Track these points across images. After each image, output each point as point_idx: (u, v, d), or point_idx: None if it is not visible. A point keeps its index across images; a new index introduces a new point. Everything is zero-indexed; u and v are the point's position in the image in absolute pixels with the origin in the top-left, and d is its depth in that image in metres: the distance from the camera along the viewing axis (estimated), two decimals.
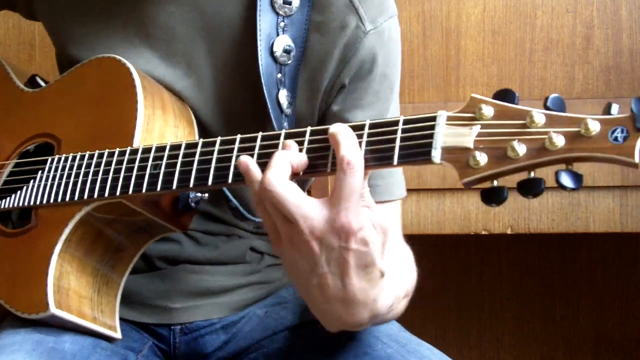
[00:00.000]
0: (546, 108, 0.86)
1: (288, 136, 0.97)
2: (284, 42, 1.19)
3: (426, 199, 1.78)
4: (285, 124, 1.20)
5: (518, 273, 2.33)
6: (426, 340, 1.22)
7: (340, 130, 0.92)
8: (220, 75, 1.23)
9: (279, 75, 1.19)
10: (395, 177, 1.24)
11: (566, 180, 0.83)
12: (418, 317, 2.31)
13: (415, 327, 1.27)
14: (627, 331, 2.32)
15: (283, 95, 1.19)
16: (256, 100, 1.20)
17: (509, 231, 1.81)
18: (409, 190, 1.31)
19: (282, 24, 1.19)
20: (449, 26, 2.09)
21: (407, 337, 1.21)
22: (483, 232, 1.80)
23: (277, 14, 1.19)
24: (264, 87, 1.17)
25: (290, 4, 1.19)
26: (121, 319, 1.22)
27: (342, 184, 0.89)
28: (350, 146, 0.90)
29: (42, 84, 1.31)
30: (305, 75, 1.21)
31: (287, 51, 1.19)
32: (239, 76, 1.22)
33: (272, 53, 1.18)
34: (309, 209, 0.90)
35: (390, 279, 0.96)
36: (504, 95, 0.89)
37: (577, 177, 0.84)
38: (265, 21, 1.18)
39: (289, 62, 1.19)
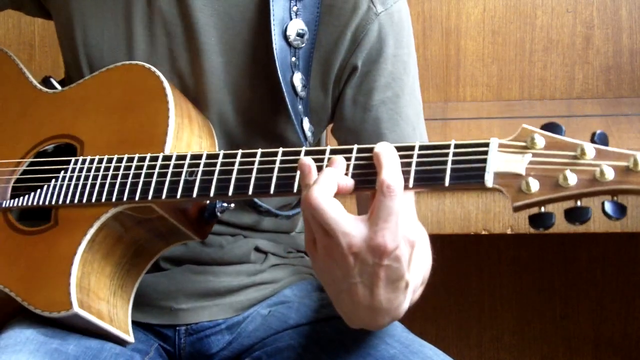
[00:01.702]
0: (592, 141, 0.90)
1: (333, 152, 0.99)
2: (297, 25, 1.20)
3: (426, 199, 1.78)
4: (300, 106, 1.22)
5: (518, 273, 2.33)
6: (426, 340, 1.22)
7: (383, 151, 0.94)
8: (233, 62, 1.24)
9: (293, 59, 1.21)
10: None
11: (611, 210, 0.89)
12: (418, 317, 2.31)
13: (415, 327, 1.27)
14: (627, 331, 2.31)
15: (297, 79, 1.21)
16: (270, 85, 1.21)
17: (509, 231, 1.81)
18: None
19: (294, 8, 1.21)
20: (449, 26, 2.09)
21: (410, 337, 1.21)
22: (483, 232, 1.80)
23: None
24: (279, 70, 1.18)
25: None
26: None
27: (380, 206, 0.91)
28: (392, 170, 0.93)
29: (58, 86, 1.31)
30: (318, 59, 1.23)
31: (300, 35, 1.21)
32: (251, 62, 1.24)
33: (285, 37, 1.20)
34: (348, 226, 0.93)
35: (413, 286, 1.00)
36: (552, 128, 0.93)
37: (621, 209, 0.89)
38: (278, 6, 1.20)
39: (303, 45, 1.21)
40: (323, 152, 1.00)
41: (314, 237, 0.96)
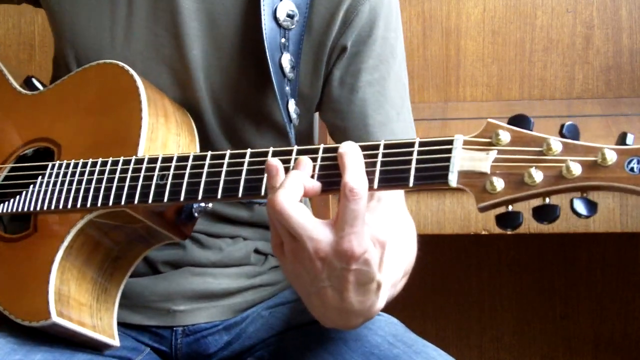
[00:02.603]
0: (561, 135, 0.86)
1: (300, 152, 0.97)
2: (287, 7, 1.21)
3: (426, 199, 1.78)
4: (287, 88, 1.22)
5: (518, 273, 2.33)
6: (426, 340, 1.22)
7: (348, 152, 0.92)
8: (224, 46, 1.24)
9: (283, 40, 1.21)
10: None
11: (580, 207, 0.85)
12: (418, 317, 2.31)
13: (415, 327, 1.27)
14: (627, 331, 2.31)
15: (286, 59, 1.21)
16: (259, 67, 1.22)
17: (509, 231, 1.81)
18: (409, 190, 1.31)
19: None
20: (449, 26, 2.09)
21: (412, 337, 1.21)
22: (483, 232, 1.80)
23: None
24: (267, 50, 1.19)
25: None
26: (118, 327, 1.22)
27: (345, 210, 0.89)
28: (355, 172, 0.90)
29: (39, 86, 1.30)
30: (310, 41, 1.24)
31: (290, 16, 1.21)
32: (242, 46, 1.24)
33: (275, 18, 1.20)
34: (315, 231, 0.90)
35: (386, 286, 0.97)
36: (520, 121, 0.89)
37: (591, 205, 0.85)
38: None
39: (293, 27, 1.21)
40: (290, 152, 0.98)
41: (281, 240, 0.94)
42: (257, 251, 1.33)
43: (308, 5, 1.22)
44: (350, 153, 0.92)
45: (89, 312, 1.15)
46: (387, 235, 0.93)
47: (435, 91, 2.11)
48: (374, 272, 0.92)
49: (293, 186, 0.91)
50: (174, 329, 1.29)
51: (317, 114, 1.35)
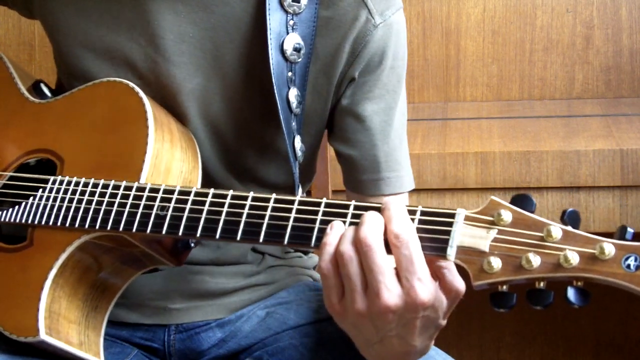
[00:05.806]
0: (562, 221, 0.87)
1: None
2: (293, 40, 1.19)
3: (426, 199, 1.78)
4: (294, 124, 1.20)
5: None
6: None
7: (388, 204, 0.93)
8: (229, 75, 1.22)
9: (290, 74, 1.19)
10: (406, 169, 1.27)
11: (574, 296, 0.86)
12: None
13: None
14: (627, 331, 2.32)
15: (293, 95, 1.19)
16: (265, 100, 1.20)
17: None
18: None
19: (291, 22, 1.19)
20: (449, 26, 2.09)
21: None
22: None
23: (286, 12, 1.19)
24: (275, 86, 1.16)
25: (298, 1, 1.18)
26: (111, 326, 1.21)
27: (399, 259, 0.90)
28: (396, 219, 0.91)
29: (47, 92, 1.28)
30: (315, 72, 1.21)
31: (297, 49, 1.19)
32: (247, 76, 1.22)
33: (282, 52, 1.18)
34: (392, 279, 0.91)
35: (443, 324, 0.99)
36: (522, 201, 0.89)
37: (584, 296, 0.86)
38: (274, 20, 1.18)
39: (299, 60, 1.19)
40: (292, 202, 0.98)
41: (340, 296, 0.93)
42: (254, 249, 1.33)
43: (313, 35, 1.20)
44: (390, 205, 0.93)
45: (77, 329, 1.14)
46: (463, 285, 0.94)
47: (435, 91, 2.11)
48: (440, 316, 0.94)
49: (378, 222, 0.91)
50: (168, 325, 1.29)
51: (320, 146, 1.34)
